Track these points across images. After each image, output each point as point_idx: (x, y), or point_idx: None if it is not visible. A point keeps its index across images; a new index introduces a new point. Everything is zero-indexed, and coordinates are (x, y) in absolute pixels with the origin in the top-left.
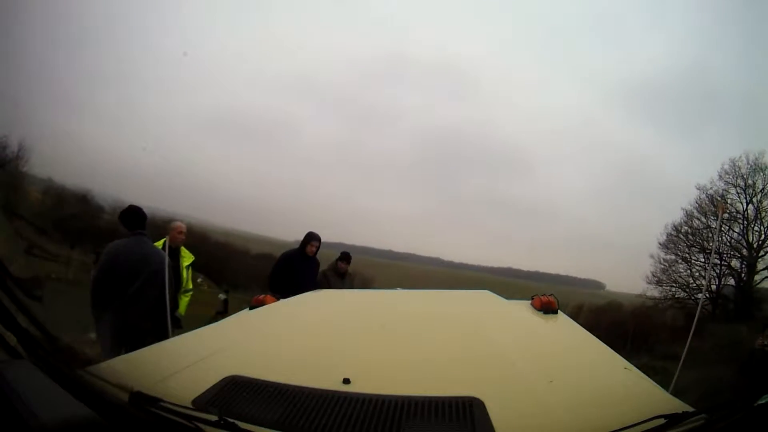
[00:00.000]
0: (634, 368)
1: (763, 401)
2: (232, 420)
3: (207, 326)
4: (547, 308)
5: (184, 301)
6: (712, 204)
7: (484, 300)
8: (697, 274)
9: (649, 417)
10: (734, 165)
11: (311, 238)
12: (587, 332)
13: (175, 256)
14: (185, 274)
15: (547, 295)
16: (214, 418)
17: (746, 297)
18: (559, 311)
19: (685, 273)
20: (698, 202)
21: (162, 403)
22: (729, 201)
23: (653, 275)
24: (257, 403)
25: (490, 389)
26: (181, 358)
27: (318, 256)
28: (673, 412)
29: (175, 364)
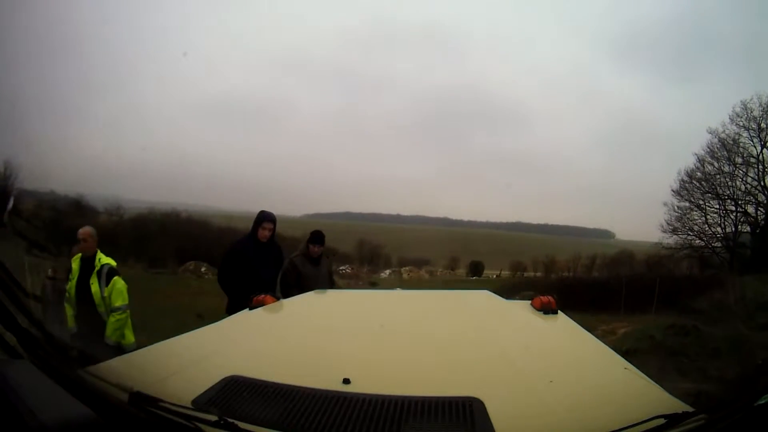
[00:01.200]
0: (634, 368)
1: (763, 401)
2: (231, 420)
3: (207, 326)
4: (547, 308)
5: (112, 323)
6: (725, 148)
7: (484, 300)
8: (713, 221)
9: (649, 417)
10: (745, 107)
11: (262, 218)
12: (587, 332)
13: (88, 266)
14: (97, 288)
15: (547, 295)
16: (213, 418)
17: (765, 244)
18: (559, 311)
19: (700, 220)
20: (710, 146)
21: (162, 403)
22: (742, 145)
23: (668, 224)
24: (257, 403)
25: (490, 389)
26: (181, 358)
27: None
28: (673, 412)
29: (175, 364)
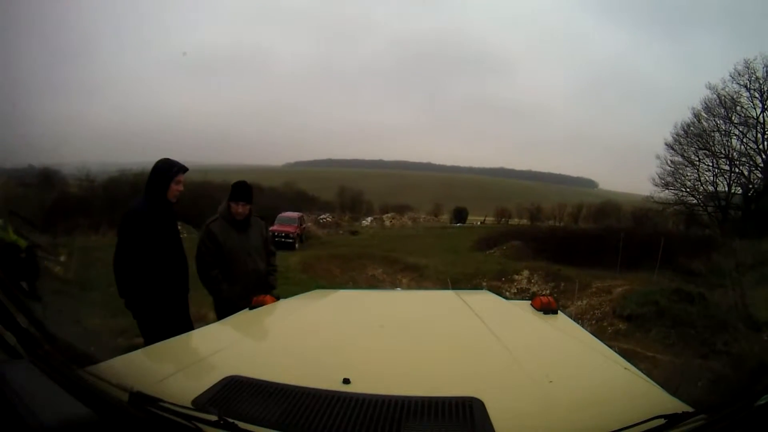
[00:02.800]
0: (633, 368)
1: (763, 401)
2: (231, 420)
3: (207, 326)
4: (547, 308)
5: None
6: (723, 106)
7: (484, 300)
8: (706, 179)
9: (649, 417)
10: (748, 67)
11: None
12: (587, 332)
13: None
14: None
15: (547, 295)
16: (213, 418)
17: (760, 207)
18: (559, 311)
19: (693, 177)
20: (707, 102)
21: (162, 403)
22: (740, 104)
23: (660, 177)
24: (257, 403)
25: (490, 389)
26: (181, 358)
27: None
28: (673, 412)
29: (175, 364)
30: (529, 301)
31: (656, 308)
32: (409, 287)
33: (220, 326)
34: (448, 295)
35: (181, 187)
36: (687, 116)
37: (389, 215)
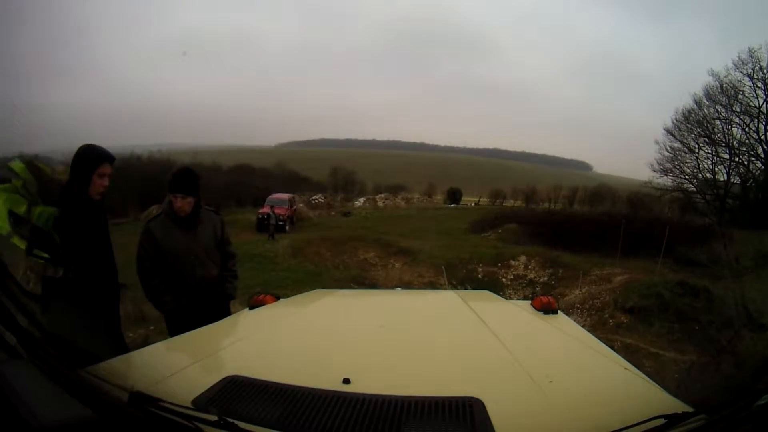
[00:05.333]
0: (634, 368)
1: (763, 401)
2: (232, 420)
3: (207, 326)
4: (547, 308)
5: None
6: (724, 94)
7: (484, 300)
8: (705, 167)
9: (649, 417)
10: (752, 55)
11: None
12: (587, 332)
13: None
14: None
15: (547, 295)
16: (213, 418)
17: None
18: (559, 311)
19: (692, 164)
20: (708, 89)
21: (162, 403)
22: (743, 93)
23: (659, 163)
24: (257, 403)
25: (490, 389)
26: (181, 358)
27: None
28: (673, 412)
29: (175, 364)
30: (529, 301)
31: (660, 301)
32: (401, 271)
33: (220, 326)
34: (449, 295)
35: (106, 182)
36: (684, 102)
37: (382, 196)
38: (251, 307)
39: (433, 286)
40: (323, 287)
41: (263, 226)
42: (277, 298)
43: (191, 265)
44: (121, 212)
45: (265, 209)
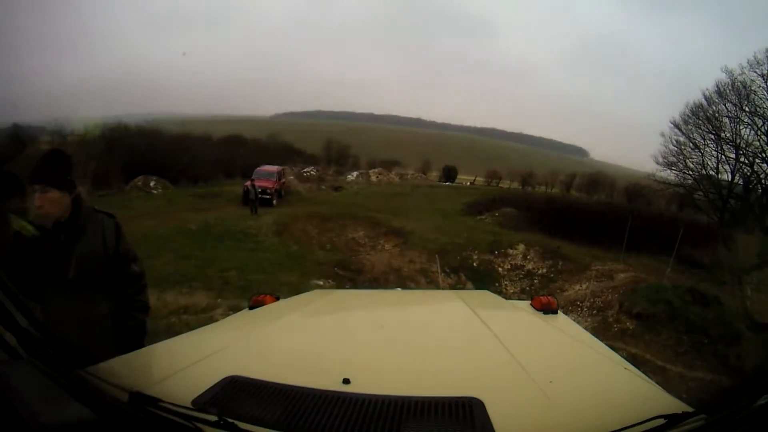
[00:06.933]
0: (634, 368)
1: (763, 401)
2: (231, 420)
3: (207, 326)
4: (547, 308)
5: None
6: (735, 92)
7: (484, 300)
8: (711, 165)
9: (649, 417)
10: None
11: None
12: (587, 332)
13: None
14: None
15: (547, 295)
16: (213, 418)
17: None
18: (559, 311)
19: (697, 160)
20: (718, 86)
21: (161, 404)
22: (757, 93)
23: (663, 156)
24: (257, 403)
25: (490, 389)
26: (181, 358)
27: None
28: (673, 412)
29: (175, 364)
30: (529, 301)
31: (669, 309)
32: (391, 255)
33: (220, 326)
34: (448, 295)
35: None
36: (685, 97)
37: (376, 170)
38: (251, 307)
39: (425, 273)
40: (305, 272)
41: (248, 199)
42: (277, 298)
43: (62, 298)
44: (105, 184)
45: (252, 182)
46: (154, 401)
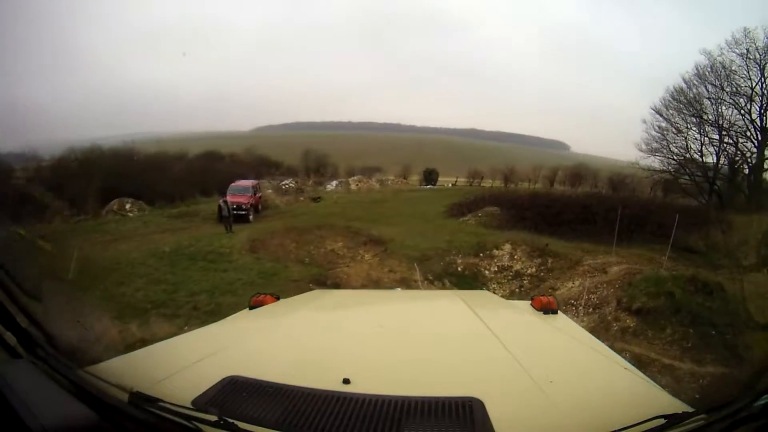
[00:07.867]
0: (633, 368)
1: (763, 401)
2: (231, 420)
3: (207, 326)
4: (546, 308)
5: None
6: (715, 73)
7: (484, 300)
8: (694, 148)
9: (649, 417)
10: (746, 35)
11: None
12: (587, 332)
13: None
14: None
15: (547, 295)
16: (213, 418)
17: (754, 183)
18: (559, 311)
19: (681, 145)
20: (698, 68)
21: (162, 403)
22: (735, 73)
23: (646, 144)
24: (257, 404)
25: (490, 389)
26: (181, 358)
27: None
28: (673, 412)
29: (175, 364)
30: (529, 302)
31: (671, 302)
32: (370, 266)
33: (220, 326)
34: (448, 295)
35: None
36: (663, 83)
37: (356, 178)
38: (251, 308)
39: (405, 283)
40: (278, 290)
41: (222, 217)
42: (277, 299)
43: None
44: (81, 209)
45: (227, 198)
46: (155, 401)
